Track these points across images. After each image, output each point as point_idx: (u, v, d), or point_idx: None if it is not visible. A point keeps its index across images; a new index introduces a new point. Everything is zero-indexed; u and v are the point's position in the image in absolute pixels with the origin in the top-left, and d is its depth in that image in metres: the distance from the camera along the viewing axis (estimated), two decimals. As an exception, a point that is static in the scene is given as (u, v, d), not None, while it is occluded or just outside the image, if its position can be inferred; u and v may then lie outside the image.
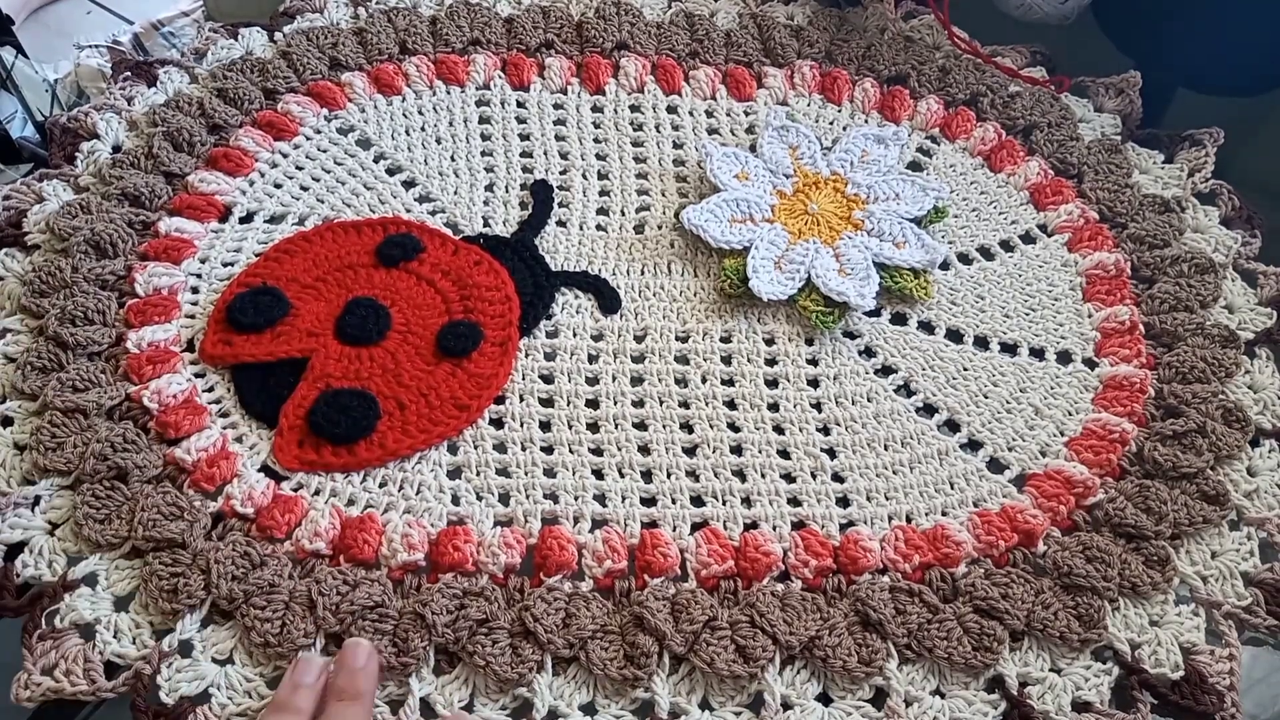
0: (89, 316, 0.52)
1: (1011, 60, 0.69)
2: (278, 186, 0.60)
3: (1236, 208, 0.61)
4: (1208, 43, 0.63)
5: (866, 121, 0.66)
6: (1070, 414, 0.52)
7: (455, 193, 0.61)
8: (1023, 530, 0.47)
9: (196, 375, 0.52)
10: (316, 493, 0.48)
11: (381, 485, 0.48)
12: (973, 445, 0.51)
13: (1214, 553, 0.47)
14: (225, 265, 0.56)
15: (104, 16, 0.72)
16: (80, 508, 0.45)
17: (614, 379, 0.53)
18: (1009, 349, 0.55)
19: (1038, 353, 0.55)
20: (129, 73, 0.66)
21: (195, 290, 0.55)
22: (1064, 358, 0.55)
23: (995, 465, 0.50)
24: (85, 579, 0.44)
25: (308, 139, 0.63)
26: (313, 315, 0.54)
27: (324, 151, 0.62)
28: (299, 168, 0.62)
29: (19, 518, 0.45)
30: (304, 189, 0.61)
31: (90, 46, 0.64)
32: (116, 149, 0.62)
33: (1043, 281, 0.58)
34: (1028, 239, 0.60)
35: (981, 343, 0.55)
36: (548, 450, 0.50)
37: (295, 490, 0.48)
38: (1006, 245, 0.60)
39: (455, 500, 0.48)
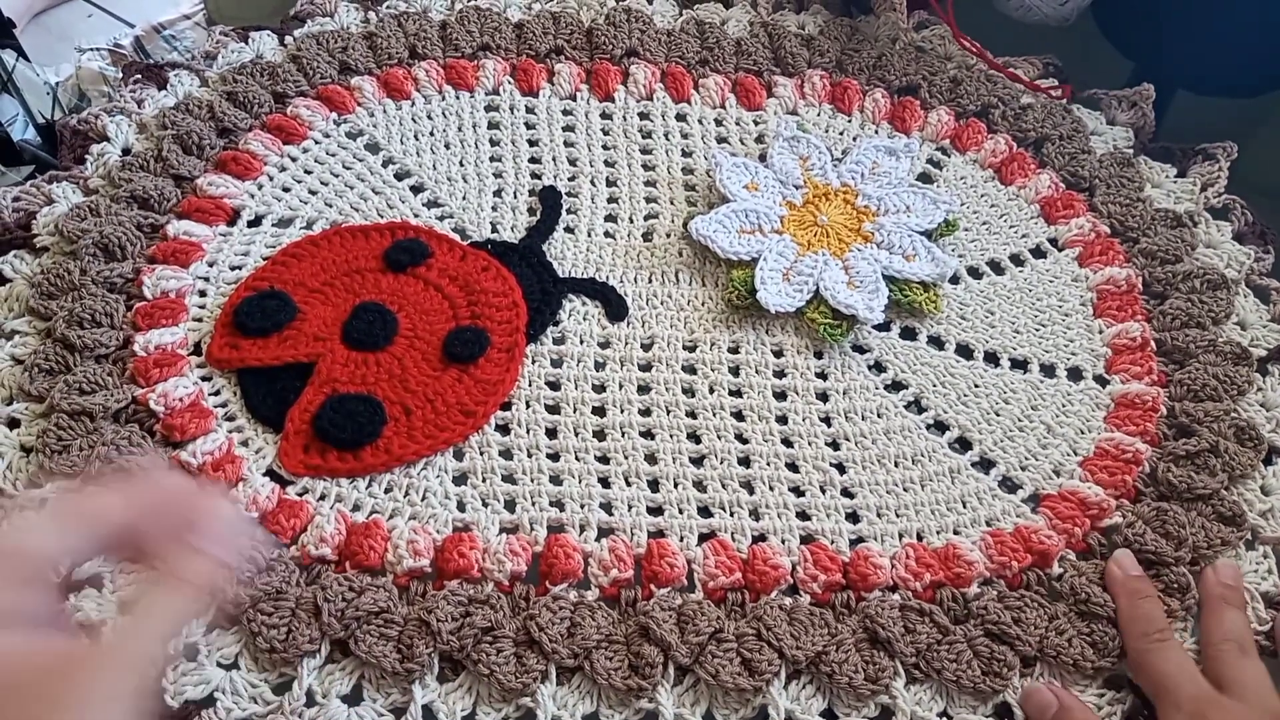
0: (97, 319, 0.52)
1: (1024, 71, 0.69)
2: (286, 190, 0.60)
3: (1250, 223, 0.60)
4: (1208, 45, 0.63)
5: (877, 132, 0.65)
6: (1082, 432, 0.52)
7: (464, 198, 0.61)
8: (1037, 551, 0.46)
9: (203, 379, 0.52)
10: (322, 498, 0.48)
11: (387, 491, 0.48)
12: (985, 464, 0.51)
13: (1229, 574, 0.46)
14: (233, 269, 0.56)
15: (105, 20, 0.72)
16: (85, 511, 0.45)
17: (620, 387, 0.52)
18: (1020, 365, 0.55)
19: (1048, 369, 0.55)
20: (139, 75, 0.66)
21: (203, 294, 0.55)
22: (1075, 374, 0.54)
23: (1008, 484, 0.50)
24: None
25: (316, 143, 0.63)
26: (320, 320, 0.53)
27: (333, 155, 0.62)
28: (308, 171, 0.61)
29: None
30: (312, 193, 0.60)
31: (91, 50, 0.65)
32: (126, 151, 0.62)
33: (1053, 296, 0.58)
34: (1038, 253, 0.60)
35: (992, 359, 0.55)
36: (554, 457, 0.50)
37: (300, 495, 0.48)
38: (1017, 259, 0.60)
39: (461, 507, 0.48)
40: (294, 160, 0.62)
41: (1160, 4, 0.65)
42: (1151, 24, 0.65)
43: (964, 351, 0.55)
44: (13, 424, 0.49)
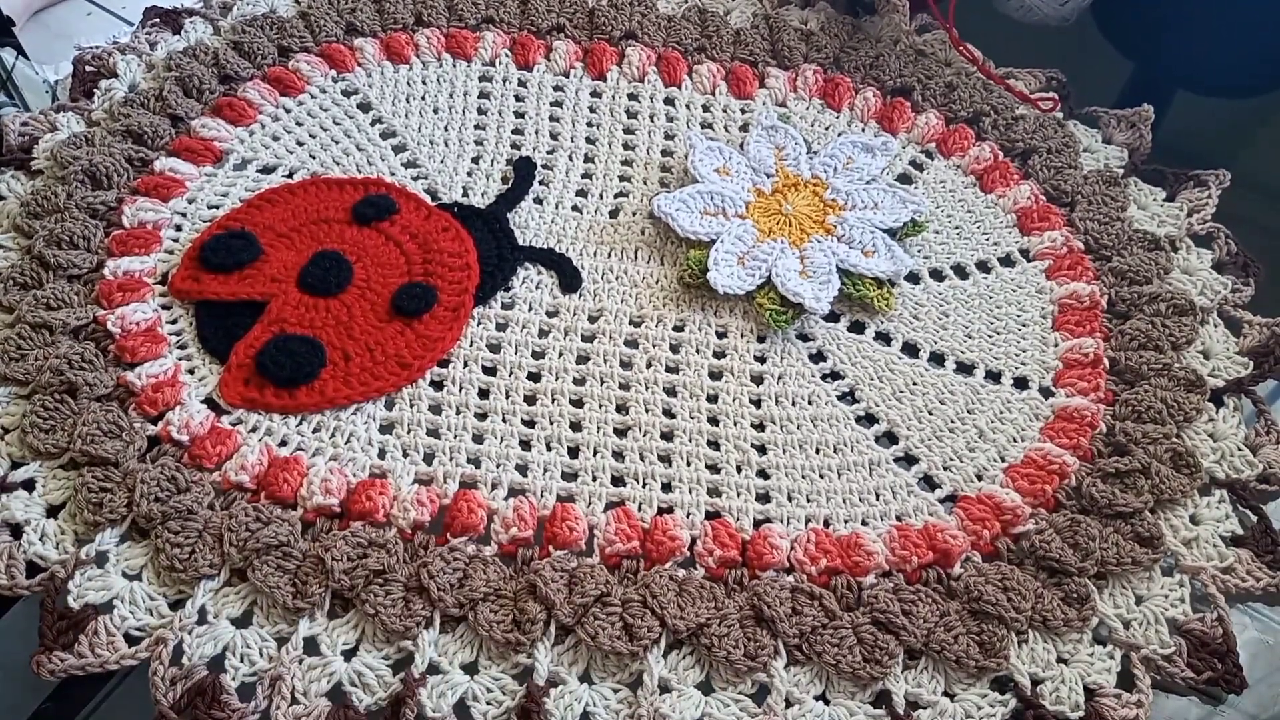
0: (74, 241, 0.55)
1: (1025, 83, 0.68)
2: (275, 139, 0.62)
3: (1233, 253, 0.58)
4: (1207, 44, 0.62)
5: (864, 130, 0.65)
6: (1015, 440, 0.51)
7: (441, 161, 0.62)
8: (940, 549, 0.46)
9: (163, 307, 0.54)
10: (253, 430, 0.49)
11: (315, 430, 0.49)
12: (908, 460, 0.50)
13: (1139, 597, 0.45)
14: (211, 208, 0.58)
15: (104, 18, 0.75)
16: (29, 416, 0.47)
17: (560, 355, 0.53)
18: (965, 369, 0.54)
19: (994, 375, 0.54)
20: (157, 19, 0.69)
21: (178, 228, 0.57)
22: (1020, 383, 0.53)
23: (928, 482, 0.49)
24: (24, 484, 0.46)
25: (312, 97, 0.65)
26: (280, 263, 0.55)
27: (325, 111, 0.64)
28: (299, 123, 0.63)
29: None
30: (299, 144, 0.62)
31: (91, 48, 0.68)
32: (132, 89, 0.64)
33: (1013, 305, 0.56)
34: (1007, 262, 0.59)
35: (937, 359, 0.54)
36: (481, 416, 0.50)
37: (233, 425, 0.49)
38: (984, 266, 0.59)
39: (381, 454, 0.49)
40: (287, 112, 0.64)
41: (1160, 4, 0.64)
42: (1151, 24, 0.65)
43: (910, 350, 0.54)
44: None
